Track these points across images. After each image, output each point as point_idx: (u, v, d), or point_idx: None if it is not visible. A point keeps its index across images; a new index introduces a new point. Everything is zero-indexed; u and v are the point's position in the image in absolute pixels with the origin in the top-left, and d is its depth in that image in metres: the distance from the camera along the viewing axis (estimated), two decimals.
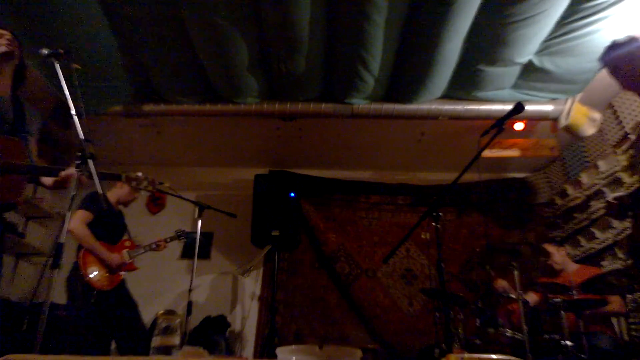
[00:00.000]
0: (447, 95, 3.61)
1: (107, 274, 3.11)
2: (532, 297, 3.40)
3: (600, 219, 3.79)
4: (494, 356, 2.03)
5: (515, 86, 3.46)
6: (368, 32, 2.93)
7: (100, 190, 1.83)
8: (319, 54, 3.23)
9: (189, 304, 3.30)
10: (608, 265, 3.63)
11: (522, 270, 2.81)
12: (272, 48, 3.17)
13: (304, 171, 5.04)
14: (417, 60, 3.21)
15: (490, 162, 4.49)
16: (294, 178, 4.92)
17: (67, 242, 1.88)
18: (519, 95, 3.50)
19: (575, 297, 2.74)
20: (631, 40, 2.17)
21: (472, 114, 3.63)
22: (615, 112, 3.68)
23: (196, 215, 3.57)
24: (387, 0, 2.71)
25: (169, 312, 4.28)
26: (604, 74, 2.32)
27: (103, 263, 3.09)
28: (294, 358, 1.40)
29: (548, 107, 3.60)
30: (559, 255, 3.43)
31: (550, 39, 2.99)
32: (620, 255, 3.50)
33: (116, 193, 3.43)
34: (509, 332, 2.83)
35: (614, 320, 3.20)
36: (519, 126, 3.96)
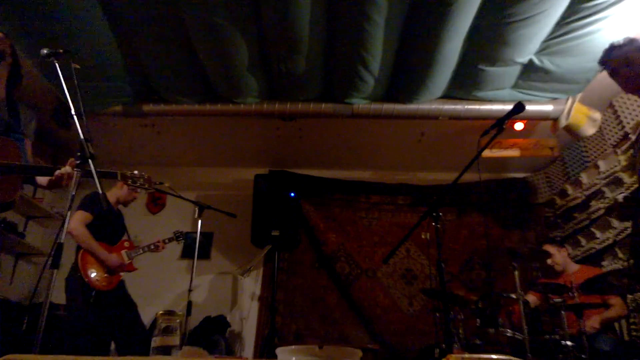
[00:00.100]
0: (447, 95, 3.61)
1: (106, 275, 3.11)
2: (532, 298, 3.40)
3: (600, 219, 3.79)
4: (494, 356, 2.03)
5: (516, 86, 3.46)
6: (368, 32, 2.92)
7: (100, 190, 1.83)
8: (319, 54, 3.22)
9: (189, 304, 3.30)
10: (608, 265, 3.63)
11: (523, 270, 2.81)
12: (272, 48, 3.17)
13: (304, 171, 5.04)
14: (417, 60, 3.21)
15: (490, 162, 4.49)
16: (294, 178, 4.92)
17: (67, 242, 1.88)
18: (519, 95, 3.50)
19: (576, 298, 2.74)
20: (629, 42, 2.18)
21: (472, 114, 3.63)
22: (615, 112, 3.67)
23: (196, 215, 3.56)
24: (387, 0, 2.70)
25: (169, 312, 4.27)
26: (605, 73, 2.32)
27: (102, 263, 3.09)
28: (294, 358, 1.40)
29: (548, 107, 3.59)
30: (559, 256, 3.42)
31: (551, 39, 2.99)
32: (621, 255, 3.50)
33: (115, 193, 3.43)
34: (509, 332, 2.83)
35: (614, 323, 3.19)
36: (519, 126, 3.96)
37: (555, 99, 3.58)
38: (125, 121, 4.04)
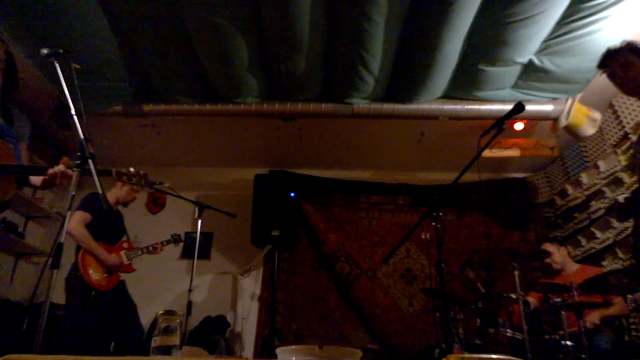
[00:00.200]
0: (447, 95, 3.61)
1: (105, 275, 3.11)
2: (532, 298, 3.39)
3: (600, 219, 3.79)
4: (494, 356, 2.03)
5: (516, 86, 3.46)
6: (368, 32, 2.92)
7: (100, 190, 1.83)
8: (319, 54, 3.22)
9: (189, 304, 3.30)
10: (608, 265, 3.63)
11: (523, 270, 2.81)
12: (272, 48, 3.17)
13: (304, 171, 5.04)
14: (417, 60, 3.21)
15: (490, 162, 4.49)
16: (294, 178, 4.92)
17: (67, 242, 1.88)
18: (519, 95, 3.50)
19: (576, 297, 2.74)
20: (626, 45, 2.19)
21: (472, 114, 3.63)
22: (615, 112, 3.67)
23: (196, 215, 3.57)
24: (387, 0, 2.70)
25: (169, 312, 4.26)
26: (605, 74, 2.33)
27: (101, 264, 3.10)
28: (294, 358, 1.40)
29: (548, 107, 3.59)
30: (559, 255, 3.42)
31: (551, 39, 2.99)
32: (621, 255, 3.50)
33: (115, 194, 3.43)
34: (509, 332, 2.83)
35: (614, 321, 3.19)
36: (519, 126, 3.96)
37: (555, 99, 3.57)
38: (125, 121, 4.04)
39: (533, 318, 3.11)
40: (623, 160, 3.52)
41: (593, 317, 2.92)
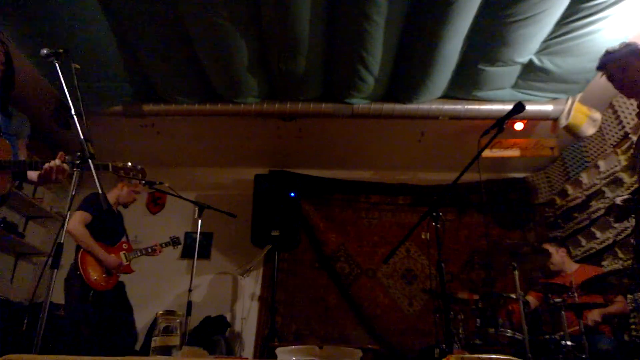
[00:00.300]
0: (447, 95, 3.61)
1: (104, 275, 3.12)
2: (532, 298, 3.40)
3: (600, 219, 3.79)
4: (494, 356, 2.03)
5: (516, 86, 3.46)
6: (368, 32, 2.92)
7: (100, 190, 1.83)
8: (319, 54, 3.22)
9: (189, 304, 3.30)
10: (608, 265, 3.63)
11: (523, 270, 2.81)
12: (272, 48, 3.17)
13: (304, 171, 5.04)
14: (417, 60, 3.21)
15: (490, 162, 4.49)
16: (294, 178, 4.92)
17: (67, 242, 1.88)
18: (519, 95, 3.50)
19: (576, 297, 2.74)
20: (625, 47, 2.20)
21: (472, 114, 3.63)
22: (615, 112, 3.67)
23: (196, 215, 3.57)
24: (387, 0, 2.70)
25: (169, 312, 4.27)
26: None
27: (101, 264, 3.10)
28: (294, 358, 1.40)
29: (548, 107, 3.59)
30: (557, 256, 3.42)
31: (551, 39, 2.99)
32: (621, 255, 3.50)
33: (115, 194, 3.44)
34: (509, 332, 2.83)
35: (614, 319, 3.19)
36: (519, 126, 3.96)
37: (555, 99, 3.57)
38: (125, 121, 4.04)
39: (533, 318, 3.11)
40: (623, 160, 3.52)
41: (594, 315, 2.92)
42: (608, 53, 2.25)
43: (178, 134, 4.60)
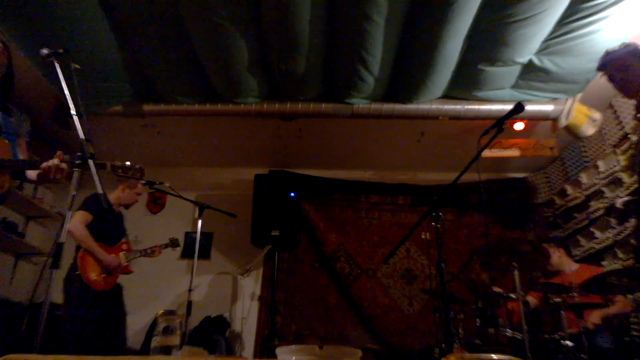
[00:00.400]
0: (447, 95, 3.61)
1: (104, 275, 3.12)
2: (532, 298, 3.39)
3: (600, 219, 3.79)
4: (494, 356, 2.03)
5: (516, 86, 3.46)
6: (368, 32, 2.92)
7: (100, 190, 1.83)
8: (319, 54, 3.22)
9: (189, 304, 3.30)
10: (608, 265, 3.63)
11: (523, 270, 2.81)
12: (272, 48, 3.17)
13: (304, 171, 5.04)
14: (417, 60, 3.21)
15: (490, 162, 4.49)
16: (294, 178, 4.92)
17: (67, 242, 1.88)
18: (519, 95, 3.50)
19: (576, 297, 2.74)
20: (625, 48, 2.20)
21: (472, 114, 3.63)
22: (615, 112, 3.67)
23: (196, 215, 3.58)
24: (387, 0, 2.70)
25: (169, 312, 4.27)
26: None
27: (100, 264, 3.10)
28: (294, 358, 1.40)
29: (548, 107, 3.59)
30: (555, 257, 3.41)
31: (551, 39, 2.99)
32: (621, 255, 3.50)
33: (117, 195, 3.44)
34: (509, 332, 2.83)
35: (614, 320, 3.19)
36: (519, 126, 3.96)
37: (555, 99, 3.57)
38: (125, 121, 4.04)
39: (533, 318, 3.10)
40: (623, 160, 3.52)
41: (594, 318, 2.92)
42: (608, 54, 2.26)
43: (178, 134, 4.60)
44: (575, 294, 2.74)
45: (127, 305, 3.46)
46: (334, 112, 3.69)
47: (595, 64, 2.40)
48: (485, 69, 3.24)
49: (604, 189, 3.72)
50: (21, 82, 3.46)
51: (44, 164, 2.03)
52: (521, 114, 2.22)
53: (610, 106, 3.72)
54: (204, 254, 4.82)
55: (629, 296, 3.23)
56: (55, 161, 2.02)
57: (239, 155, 5.06)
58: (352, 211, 4.99)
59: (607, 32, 2.86)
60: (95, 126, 4.20)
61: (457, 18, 2.79)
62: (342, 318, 4.54)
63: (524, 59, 3.15)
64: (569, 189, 4.26)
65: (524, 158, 4.31)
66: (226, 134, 4.58)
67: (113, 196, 3.42)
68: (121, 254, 3.28)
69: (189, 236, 4.90)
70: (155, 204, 5.18)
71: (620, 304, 3.00)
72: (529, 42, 2.98)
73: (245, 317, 4.58)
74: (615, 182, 3.59)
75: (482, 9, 2.77)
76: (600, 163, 3.79)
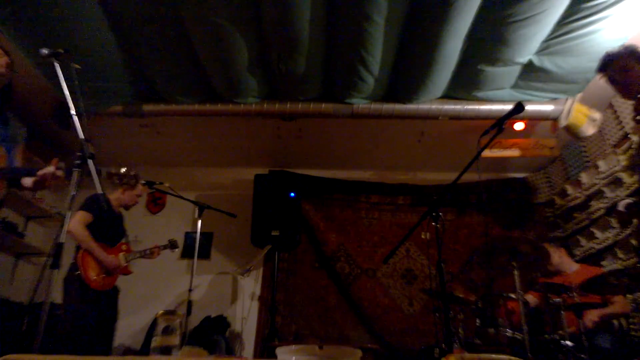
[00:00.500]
0: (447, 95, 3.61)
1: (103, 275, 3.12)
2: (532, 297, 3.39)
3: (600, 219, 3.79)
4: (494, 356, 2.03)
5: (516, 86, 3.46)
6: (368, 32, 2.92)
7: (100, 190, 1.83)
8: (319, 54, 3.22)
9: (189, 304, 3.30)
10: (608, 265, 3.63)
11: (523, 270, 2.81)
12: (272, 48, 3.17)
13: (304, 171, 5.04)
14: (417, 60, 3.21)
15: (490, 162, 4.49)
16: (294, 178, 4.92)
17: (67, 242, 1.88)
18: (519, 95, 3.50)
19: (576, 297, 2.73)
20: (625, 49, 2.21)
21: (472, 114, 3.63)
22: (615, 112, 3.67)
23: (196, 215, 3.58)
24: (387, 0, 2.71)
25: (169, 312, 4.28)
26: None
27: (100, 264, 3.10)
28: (294, 358, 1.40)
29: (548, 107, 3.60)
30: (556, 256, 3.41)
31: (551, 39, 2.99)
32: (621, 255, 3.50)
33: (117, 196, 3.44)
34: (509, 332, 2.83)
35: (613, 320, 3.19)
36: (519, 126, 3.96)
37: (555, 99, 3.58)
38: (125, 121, 4.04)
39: (534, 317, 3.10)
40: (623, 160, 3.52)
41: (592, 316, 2.92)
42: (609, 55, 2.26)
43: (178, 134, 4.60)
44: (575, 294, 2.74)
45: (127, 306, 3.47)
46: (334, 112, 3.69)
47: (595, 64, 2.40)
48: (485, 69, 3.24)
49: (605, 189, 3.72)
50: (21, 83, 3.47)
51: (40, 172, 2.03)
52: (521, 114, 2.22)
53: (610, 106, 3.72)
54: (204, 254, 4.81)
55: (629, 296, 3.23)
56: (51, 168, 2.02)
57: (239, 155, 5.06)
58: (352, 211, 4.99)
59: (607, 32, 2.86)
60: (95, 126, 4.20)
61: (457, 18, 2.79)
62: (342, 318, 4.54)
63: (524, 59, 3.15)
64: (569, 189, 4.26)
65: (524, 158, 4.31)
66: (226, 134, 4.57)
67: (113, 197, 3.42)
68: (120, 254, 3.29)
69: (189, 236, 4.90)
70: (155, 204, 5.18)
71: (618, 305, 3.00)
72: (529, 42, 2.98)
73: (245, 317, 4.58)
74: (616, 182, 3.59)
75: (482, 9, 2.77)
76: (600, 163, 3.79)
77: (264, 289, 4.70)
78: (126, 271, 3.33)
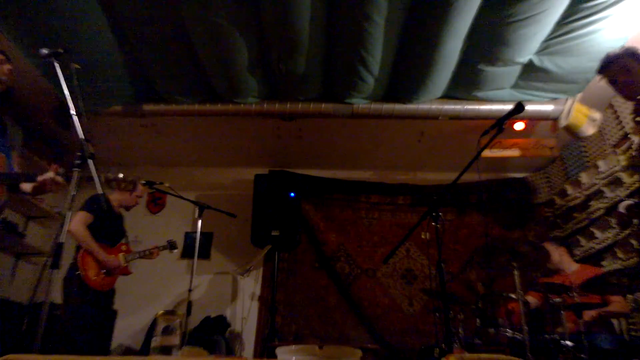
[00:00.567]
0: (447, 95, 3.61)
1: (103, 275, 3.12)
2: (532, 298, 3.39)
3: (600, 219, 3.79)
4: (494, 356, 2.03)
5: (516, 86, 3.46)
6: (368, 32, 2.92)
7: (100, 190, 1.83)
8: (319, 54, 3.22)
9: (189, 304, 3.30)
10: (608, 265, 3.63)
11: (523, 270, 2.81)
12: (272, 48, 3.17)
13: (304, 171, 5.04)
14: (417, 60, 3.21)
15: (490, 162, 4.49)
16: (294, 178, 4.92)
17: (67, 242, 1.88)
18: (519, 95, 3.50)
19: (576, 297, 2.74)
20: (626, 51, 2.21)
21: (472, 114, 3.63)
22: (615, 112, 3.67)
23: (196, 215, 3.57)
24: (387, 0, 2.71)
25: (169, 312, 4.28)
26: None
27: (100, 264, 3.11)
28: (294, 358, 1.40)
29: (548, 107, 3.60)
30: (556, 255, 3.41)
31: (551, 39, 2.99)
32: (621, 255, 3.50)
33: (118, 197, 3.44)
34: (509, 332, 2.83)
35: (613, 320, 3.19)
36: (519, 126, 3.97)
37: (555, 99, 3.58)
38: (125, 121, 4.04)
39: (533, 318, 3.10)
40: (623, 160, 3.52)
41: (591, 312, 2.93)
42: (610, 56, 2.27)
43: (178, 134, 4.60)
44: (575, 294, 2.74)
45: (127, 306, 3.47)
46: (334, 112, 3.69)
47: (595, 64, 2.40)
48: (485, 69, 3.24)
49: (604, 189, 3.72)
50: (21, 83, 3.47)
51: (40, 178, 2.05)
52: (521, 114, 2.22)
53: (610, 106, 3.72)
54: (204, 254, 4.81)
55: (629, 296, 3.23)
56: (50, 174, 2.05)
57: (239, 155, 5.06)
58: (352, 211, 4.99)
59: (607, 32, 2.86)
60: (95, 126, 4.20)
61: (457, 18, 2.79)
62: (342, 318, 4.54)
63: (524, 59, 3.15)
64: (569, 189, 4.26)
65: (524, 158, 4.31)
66: (226, 134, 4.57)
67: (113, 197, 3.42)
68: (120, 255, 3.29)
69: (189, 236, 4.90)
70: (155, 204, 5.17)
71: (617, 305, 3.00)
72: (529, 42, 2.98)
73: (245, 317, 4.58)
74: (616, 182, 3.59)
75: (482, 9, 2.77)
76: (600, 163, 3.79)
77: (264, 289, 4.70)
78: (126, 271, 3.34)
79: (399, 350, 4.29)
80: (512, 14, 2.76)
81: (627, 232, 3.38)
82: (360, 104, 3.65)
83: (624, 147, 3.54)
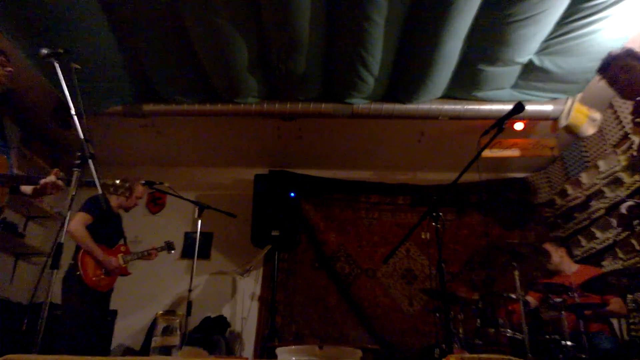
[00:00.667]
0: (447, 95, 3.61)
1: (103, 276, 3.13)
2: (532, 298, 3.39)
3: (600, 219, 3.79)
4: (494, 356, 2.03)
5: (516, 86, 3.46)
6: (368, 32, 2.92)
7: (100, 190, 1.83)
8: (319, 54, 3.22)
9: (189, 304, 3.30)
10: (608, 265, 3.63)
11: (523, 270, 2.81)
12: (272, 48, 3.17)
13: (304, 171, 5.04)
14: (417, 60, 3.21)
15: (490, 162, 4.49)
16: (294, 178, 4.92)
17: (67, 243, 1.88)
18: (519, 95, 3.50)
19: (576, 298, 2.74)
20: (626, 51, 2.21)
21: (472, 114, 3.63)
22: (615, 112, 3.67)
23: (196, 215, 3.57)
24: (387, 0, 2.71)
25: (169, 312, 4.28)
26: None
27: (99, 265, 3.11)
28: (294, 358, 1.40)
29: (548, 107, 3.60)
30: (556, 256, 3.41)
31: (551, 39, 2.99)
32: (621, 255, 3.50)
33: (118, 198, 3.43)
34: (509, 332, 2.83)
35: (613, 320, 3.20)
36: (519, 126, 3.96)
37: (555, 99, 3.58)
38: (125, 121, 4.04)
39: (533, 318, 3.10)
40: (623, 160, 3.52)
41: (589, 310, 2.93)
42: (610, 56, 2.27)
43: (178, 134, 4.60)
44: (575, 294, 2.74)
45: (127, 306, 3.47)
46: (334, 112, 3.69)
47: (595, 64, 2.40)
48: (485, 69, 3.24)
49: (605, 189, 3.72)
50: (21, 83, 3.47)
51: (42, 181, 2.07)
52: (521, 114, 2.22)
53: (610, 106, 3.72)
54: (204, 254, 4.81)
55: (629, 296, 3.23)
56: (52, 178, 2.07)
57: (239, 155, 5.06)
58: (352, 211, 4.99)
59: (607, 32, 2.86)
60: (95, 126, 4.20)
61: (457, 18, 2.79)
62: (342, 318, 4.54)
63: (523, 59, 3.15)
64: (570, 189, 4.26)
65: (524, 158, 4.31)
66: (226, 134, 4.58)
67: (114, 199, 3.41)
68: (119, 255, 3.29)
69: (189, 236, 4.90)
70: (155, 204, 5.17)
71: (616, 305, 3.00)
72: (529, 42, 2.98)
73: (245, 317, 4.58)
74: (616, 182, 3.59)
75: (482, 9, 2.77)
76: (600, 163, 3.79)
77: (264, 289, 4.70)
78: (125, 272, 3.34)
79: (399, 351, 4.29)
80: (512, 14, 2.76)
81: (627, 232, 3.38)
82: (360, 104, 3.65)
83: (624, 147, 3.54)
